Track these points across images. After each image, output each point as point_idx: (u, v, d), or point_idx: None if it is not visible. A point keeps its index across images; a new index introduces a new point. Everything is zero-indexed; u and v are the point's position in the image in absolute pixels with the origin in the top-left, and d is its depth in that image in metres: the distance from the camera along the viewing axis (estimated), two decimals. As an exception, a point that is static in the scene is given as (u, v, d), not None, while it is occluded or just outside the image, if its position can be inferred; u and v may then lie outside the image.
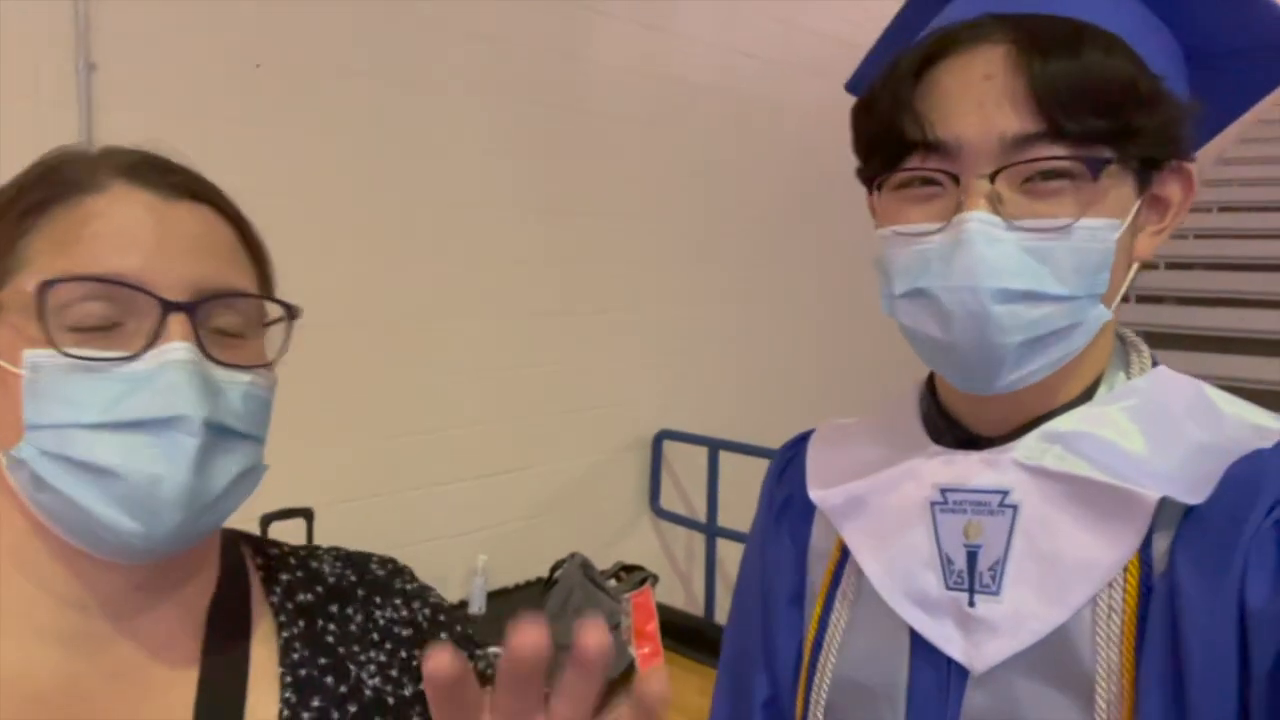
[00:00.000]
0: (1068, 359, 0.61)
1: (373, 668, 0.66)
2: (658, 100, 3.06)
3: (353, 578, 0.70)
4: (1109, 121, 0.57)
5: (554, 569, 2.33)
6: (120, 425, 0.52)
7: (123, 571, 0.57)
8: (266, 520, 1.86)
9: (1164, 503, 0.58)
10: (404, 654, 0.68)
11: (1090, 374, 0.65)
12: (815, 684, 0.69)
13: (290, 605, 0.66)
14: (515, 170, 2.68)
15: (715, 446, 3.11)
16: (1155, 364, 0.66)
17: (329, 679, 0.63)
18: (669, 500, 3.22)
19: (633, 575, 2.71)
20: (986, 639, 0.61)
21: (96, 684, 0.56)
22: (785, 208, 3.54)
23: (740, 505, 3.17)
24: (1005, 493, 0.62)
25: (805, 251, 3.64)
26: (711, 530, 3.14)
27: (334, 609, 0.67)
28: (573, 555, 2.34)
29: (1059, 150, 0.57)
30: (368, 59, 2.33)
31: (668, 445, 3.18)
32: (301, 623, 0.65)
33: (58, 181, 0.57)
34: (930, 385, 0.73)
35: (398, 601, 0.70)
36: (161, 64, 1.99)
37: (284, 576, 0.68)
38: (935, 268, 0.60)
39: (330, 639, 0.66)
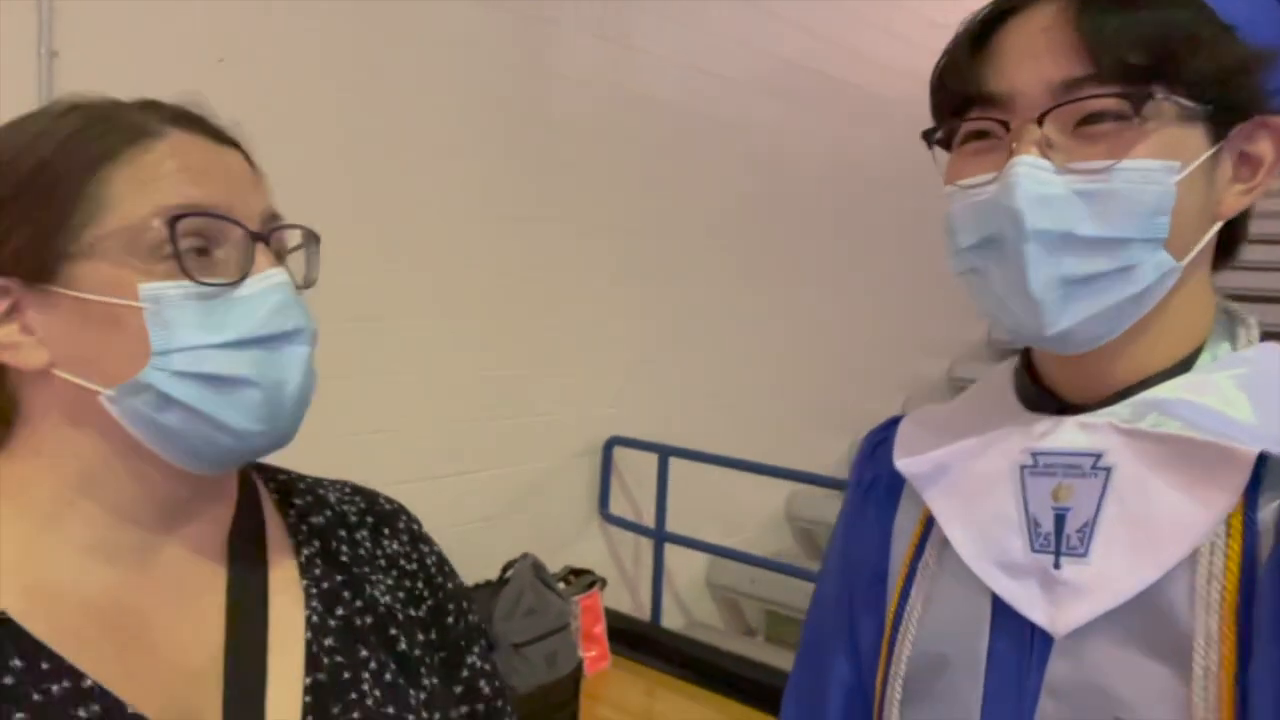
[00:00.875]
0: (1135, 310, 0.60)
1: (382, 588, 0.72)
2: (616, 113, 3.11)
3: (361, 505, 0.77)
4: (1157, 60, 0.56)
5: (505, 569, 2.35)
6: (248, 342, 0.60)
7: (188, 482, 0.64)
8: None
9: (1271, 464, 0.56)
10: (408, 584, 0.74)
11: (1187, 342, 0.63)
12: (895, 657, 0.69)
13: (305, 526, 0.72)
14: (472, 176, 2.71)
15: (665, 453, 3.15)
16: (1264, 339, 0.64)
17: (346, 593, 0.69)
18: (618, 505, 3.26)
19: (581, 579, 2.74)
20: (1070, 601, 0.60)
21: (140, 595, 0.62)
22: (738, 222, 3.61)
23: (688, 511, 3.24)
24: (1099, 455, 0.61)
25: (756, 264, 3.71)
26: (660, 536, 3.18)
27: (343, 533, 0.73)
28: (524, 556, 2.36)
29: (1105, 90, 0.57)
30: (331, 61, 2.34)
31: (618, 451, 3.21)
32: (317, 542, 0.71)
33: (122, 127, 0.62)
34: (1026, 358, 0.72)
35: (405, 538, 0.77)
36: (124, 53, 1.98)
37: (296, 500, 0.74)
38: (986, 215, 0.60)
39: (344, 559, 0.72)
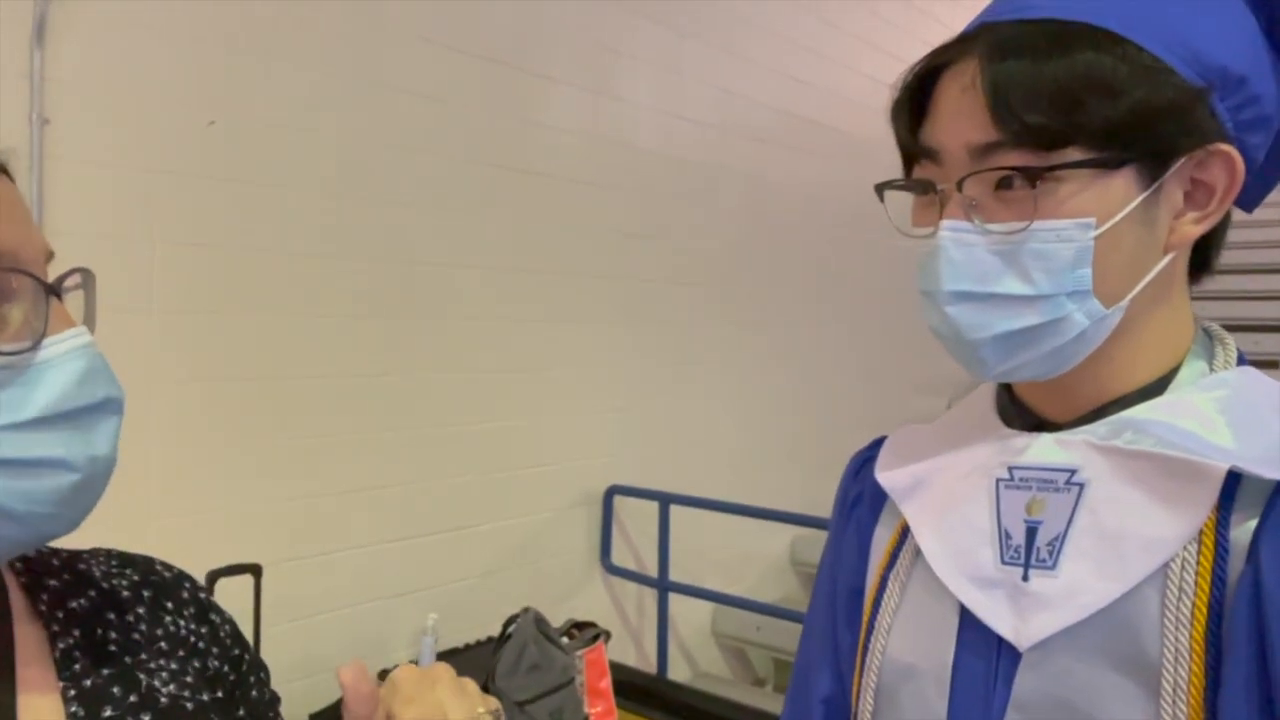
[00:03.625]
0: (1077, 351, 0.61)
1: (164, 675, 0.62)
2: (602, 163, 3.13)
3: (135, 577, 0.67)
4: (1063, 120, 0.57)
5: (507, 624, 2.31)
6: (54, 418, 0.51)
7: None
8: (214, 576, 1.82)
9: (1245, 482, 0.56)
10: (198, 664, 0.65)
11: (1162, 362, 0.64)
12: (866, 667, 0.69)
13: (60, 614, 0.61)
14: (466, 230, 2.72)
15: (666, 501, 3.12)
16: (1242, 361, 0.65)
17: (116, 689, 0.59)
18: (620, 556, 3.22)
19: (585, 632, 2.69)
20: (1036, 613, 0.60)
21: None
22: (731, 266, 3.63)
23: (691, 559, 3.20)
24: (1073, 470, 0.62)
25: (751, 310, 3.72)
26: (663, 585, 3.14)
27: (111, 615, 0.63)
28: (526, 610, 2.32)
29: (1016, 157, 0.58)
30: (320, 118, 2.36)
31: (618, 500, 3.18)
32: (76, 631, 0.61)
33: None
34: None
35: (190, 610, 0.67)
36: (114, 120, 2.00)
37: (50, 582, 0.63)
38: (925, 270, 0.64)
39: (112, 647, 0.61)
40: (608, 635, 2.73)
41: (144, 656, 0.62)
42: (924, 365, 5.05)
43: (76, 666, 0.59)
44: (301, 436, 2.34)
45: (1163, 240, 0.62)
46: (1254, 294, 5.07)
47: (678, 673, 3.32)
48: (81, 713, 0.57)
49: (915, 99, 0.64)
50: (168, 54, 2.07)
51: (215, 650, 0.66)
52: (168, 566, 0.69)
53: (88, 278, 0.58)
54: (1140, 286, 0.61)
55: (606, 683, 2.68)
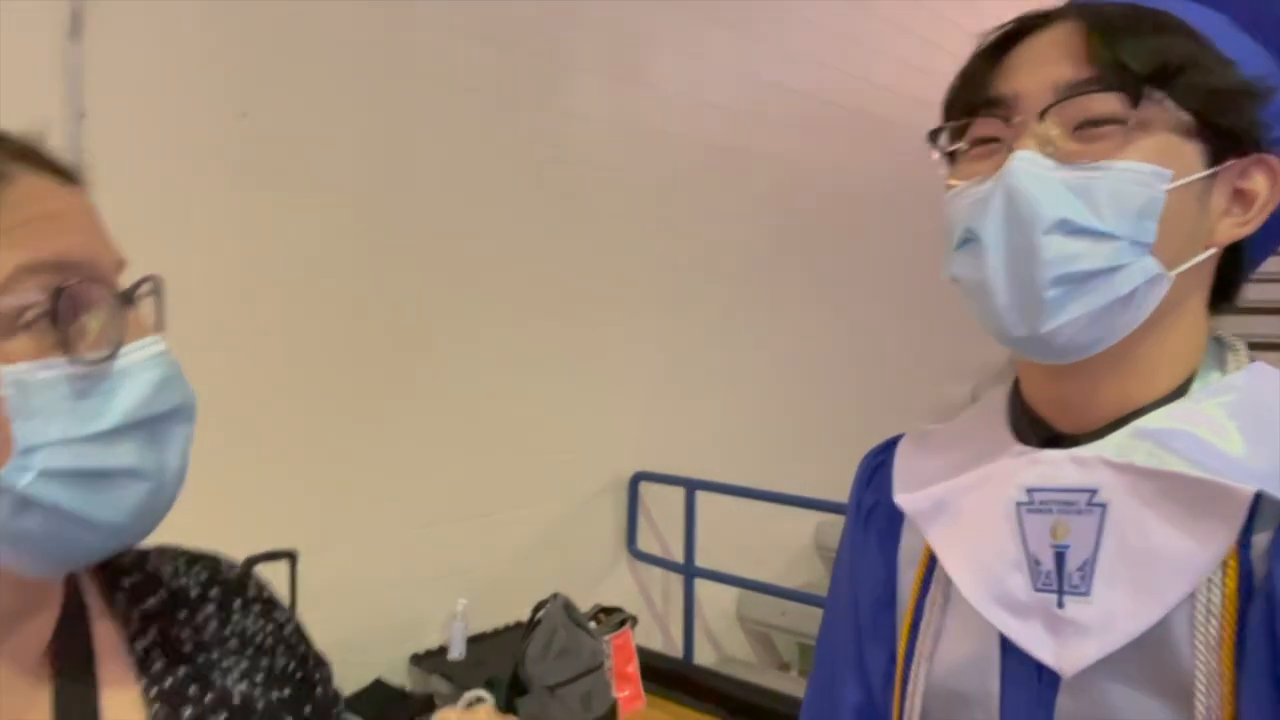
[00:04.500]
0: (1125, 317, 0.60)
1: (235, 674, 0.63)
2: (630, 149, 3.13)
3: (203, 576, 0.67)
4: (1157, 70, 0.59)
5: (536, 610, 2.33)
6: (129, 427, 0.52)
7: (21, 591, 0.54)
8: (251, 562, 1.85)
9: (1263, 501, 0.56)
10: (267, 662, 0.65)
11: (1178, 370, 0.64)
12: (909, 692, 0.69)
13: (136, 614, 0.62)
14: (492, 217, 2.73)
15: (692, 487, 3.13)
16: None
17: (194, 688, 0.60)
18: (646, 542, 3.24)
19: (612, 617, 2.71)
20: (1076, 640, 0.60)
21: None
22: (757, 252, 3.62)
23: (717, 545, 3.21)
24: (1093, 491, 0.61)
25: (777, 295, 3.71)
26: (689, 571, 3.15)
27: (182, 615, 0.63)
28: (555, 596, 2.35)
29: (1108, 95, 0.59)
30: (350, 110, 2.38)
31: (644, 486, 3.20)
32: (154, 630, 0.61)
33: None
34: (1016, 387, 0.72)
35: (256, 609, 0.67)
36: (151, 111, 2.02)
37: (124, 581, 0.63)
38: (980, 209, 0.61)
39: (187, 647, 0.62)
40: (634, 620, 2.75)
41: (216, 655, 0.62)
42: (951, 351, 5.02)
43: (156, 666, 0.60)
44: (332, 424, 2.38)
45: (1208, 233, 0.62)
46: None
47: (704, 657, 3.34)
48: (164, 712, 0.58)
49: (991, 57, 0.64)
50: (201, 46, 2.09)
51: (282, 648, 0.67)
52: (233, 565, 0.69)
53: (158, 284, 0.58)
54: (1187, 265, 0.62)
55: (634, 667, 2.70)
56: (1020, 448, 0.67)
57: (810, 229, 3.88)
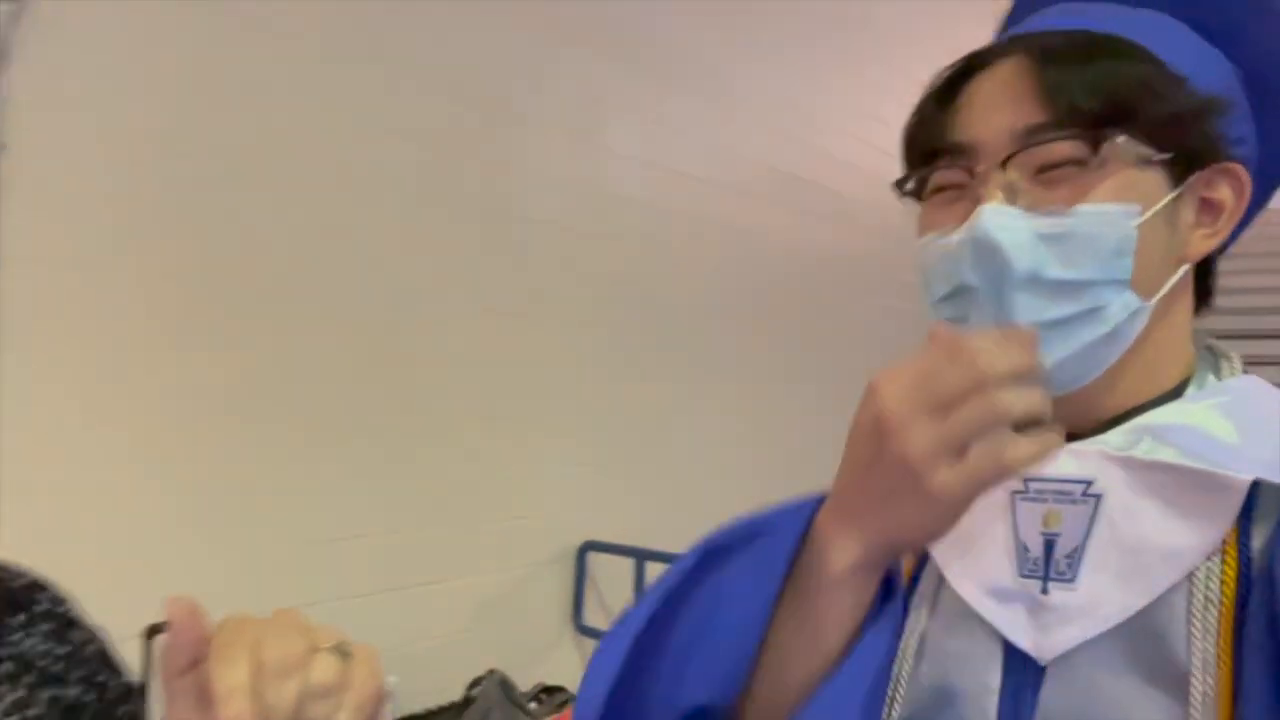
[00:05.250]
0: (1109, 351, 0.61)
1: (7, 704, 0.54)
2: (587, 211, 3.08)
3: None
4: (1112, 106, 0.58)
5: (471, 687, 2.18)
6: None
7: None
8: (153, 631, 1.69)
9: (1262, 490, 0.57)
10: (51, 692, 0.55)
11: (1173, 373, 0.65)
12: (889, 696, 0.66)
13: None
14: (445, 273, 2.64)
15: (641, 557, 3.01)
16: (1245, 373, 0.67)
17: None
18: (593, 616, 3.09)
19: (554, 697, 2.57)
20: (1056, 627, 0.59)
21: None
22: (711, 319, 3.57)
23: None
24: (1089, 482, 0.62)
25: (737, 365, 3.66)
26: (637, 648, 3.01)
27: None
28: (491, 673, 2.20)
29: (1063, 135, 0.59)
30: (297, 158, 2.30)
31: (592, 557, 3.06)
32: None
33: None
34: None
35: (45, 627, 0.57)
36: (77, 144, 1.92)
37: None
38: (957, 263, 0.61)
39: None
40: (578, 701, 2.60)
41: None
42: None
43: None
44: (253, 484, 2.23)
45: (1181, 250, 0.63)
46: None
47: (651, 741, 3.17)
48: None
49: (943, 99, 0.65)
50: (133, 79, 2.01)
51: (75, 675, 0.57)
52: (21, 573, 0.58)
53: None
54: (1166, 288, 0.62)
55: (576, 752, 2.54)
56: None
57: (771, 300, 3.85)
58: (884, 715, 0.67)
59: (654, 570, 3.01)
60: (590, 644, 3.09)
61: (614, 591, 3.11)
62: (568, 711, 2.54)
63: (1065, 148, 0.59)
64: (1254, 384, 0.65)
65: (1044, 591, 0.61)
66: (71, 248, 1.90)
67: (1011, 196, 0.60)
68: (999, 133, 0.61)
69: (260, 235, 2.24)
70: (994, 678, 0.62)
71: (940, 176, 0.65)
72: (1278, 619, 0.53)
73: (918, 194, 0.67)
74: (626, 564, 3.04)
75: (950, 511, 0.54)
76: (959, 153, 0.63)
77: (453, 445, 2.68)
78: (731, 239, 3.67)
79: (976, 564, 0.64)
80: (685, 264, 3.47)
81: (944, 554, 0.66)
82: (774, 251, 3.89)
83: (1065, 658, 0.59)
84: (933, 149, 0.65)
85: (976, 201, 0.61)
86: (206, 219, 2.14)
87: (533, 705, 2.37)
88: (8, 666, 0.54)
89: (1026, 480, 0.64)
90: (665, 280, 3.38)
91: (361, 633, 2.03)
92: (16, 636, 0.55)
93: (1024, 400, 0.52)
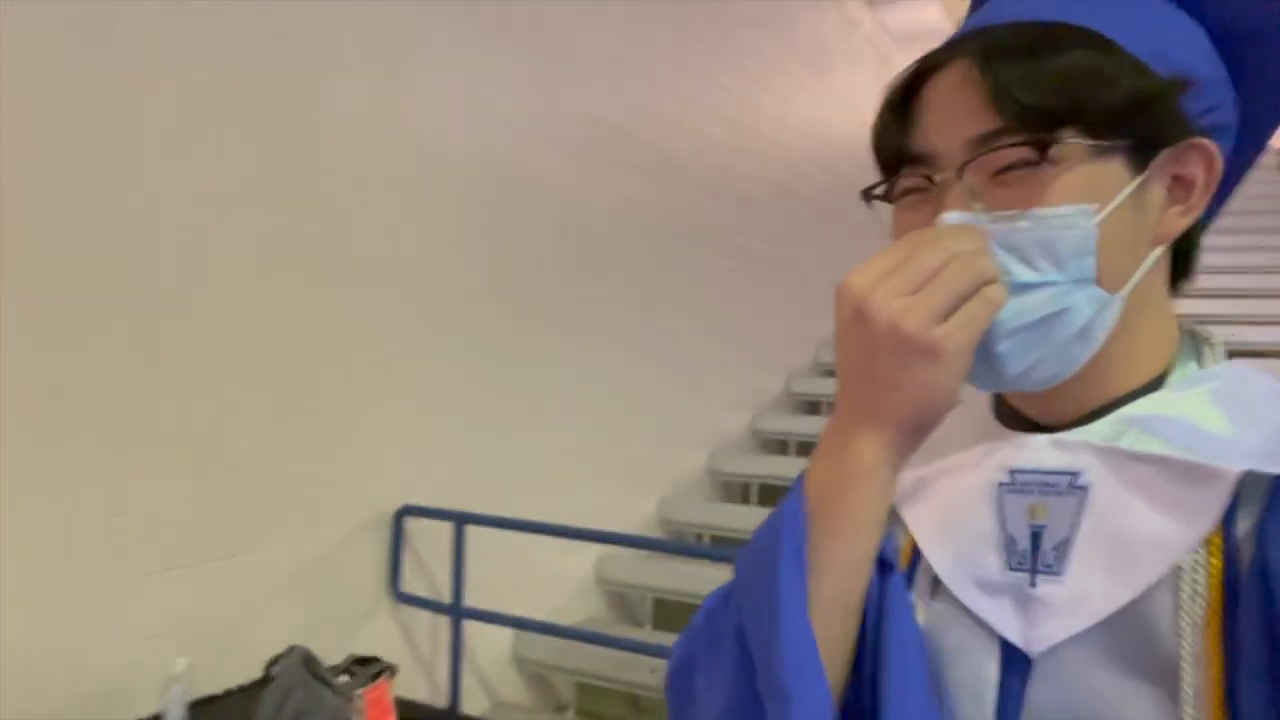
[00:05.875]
0: (1084, 347, 0.61)
1: None
2: (403, 159, 2.92)
3: None
4: (1061, 103, 0.58)
5: (269, 665, 2.04)
6: None
7: None
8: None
9: (1246, 479, 0.56)
10: None
11: (1153, 364, 0.65)
12: None
13: None
14: (241, 223, 2.42)
15: (461, 521, 2.92)
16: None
17: None
18: (412, 583, 2.98)
19: (367, 668, 2.44)
20: (1045, 619, 0.59)
21: None
22: (533, 276, 3.49)
23: (492, 582, 3.01)
24: (1076, 474, 0.62)
25: (552, 319, 3.59)
26: (457, 612, 2.93)
27: None
28: (292, 649, 2.06)
29: (1013, 140, 0.59)
30: (56, 89, 2.03)
31: (410, 522, 2.95)
32: None
33: None
34: None
35: None
36: None
37: None
38: None
39: None
40: (393, 670, 2.50)
41: None
42: (730, 381, 5.12)
43: None
44: (28, 453, 1.99)
45: (1153, 232, 0.63)
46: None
47: (474, 704, 3.11)
48: None
49: (900, 106, 0.64)
50: None
51: None
52: None
53: None
54: (1138, 277, 0.62)
55: (391, 722, 2.44)
56: (1005, 432, 0.67)
57: (592, 255, 3.80)
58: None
59: (474, 534, 2.93)
60: (408, 611, 2.98)
61: (436, 557, 3.01)
62: (383, 681, 2.43)
63: (1017, 152, 0.59)
64: (1240, 370, 0.65)
65: (1032, 584, 0.61)
66: None
67: (971, 201, 0.61)
68: (953, 141, 0.61)
69: (33, 186, 1.97)
70: (991, 671, 0.62)
71: (904, 180, 0.65)
72: (1273, 598, 0.53)
73: (887, 196, 0.68)
74: (446, 528, 2.94)
75: (957, 366, 0.57)
76: (919, 161, 0.64)
77: (257, 412, 2.49)
78: (562, 193, 3.59)
79: (965, 557, 0.65)
80: (510, 217, 3.36)
81: (933, 549, 0.66)
82: (606, 208, 3.84)
83: (1053, 651, 0.59)
84: (896, 157, 0.65)
85: (939, 207, 0.62)
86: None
87: (343, 678, 2.25)
88: None
89: (1013, 472, 0.64)
90: (486, 232, 3.27)
91: (151, 613, 1.88)
92: None
93: (991, 265, 0.57)
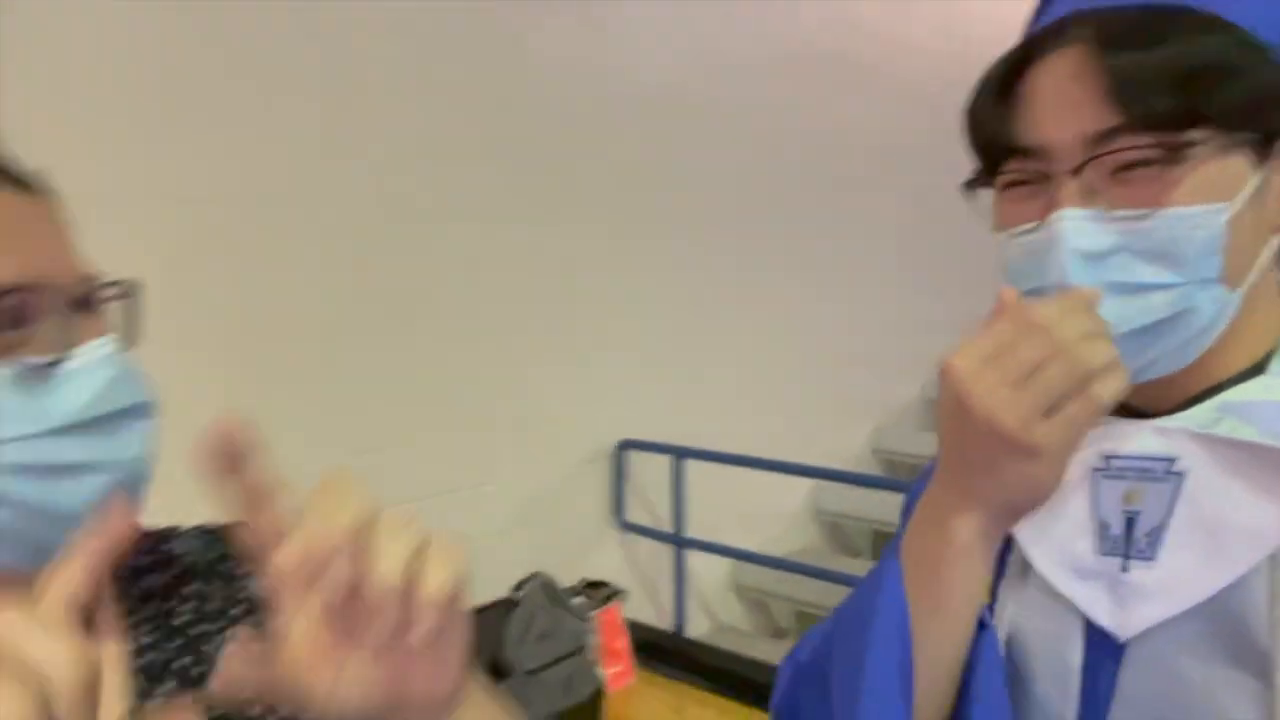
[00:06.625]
0: (1201, 343, 0.60)
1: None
2: (604, 102, 2.98)
3: (219, 549, 0.69)
4: (1188, 102, 0.55)
5: (516, 589, 2.24)
6: (81, 424, 0.55)
7: (17, 584, 0.55)
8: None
9: None
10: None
11: (1257, 348, 0.62)
12: None
13: (135, 591, 0.65)
14: (462, 176, 2.59)
15: (680, 455, 3.03)
16: None
17: (183, 660, 0.63)
18: (634, 513, 3.14)
19: (599, 592, 2.62)
20: (1137, 604, 0.59)
21: None
22: (743, 211, 3.48)
23: (709, 513, 3.11)
24: (1172, 460, 0.61)
25: (762, 254, 3.58)
26: (679, 541, 3.06)
27: (189, 589, 0.66)
28: (534, 576, 2.25)
29: (1139, 140, 0.56)
30: (307, 62, 2.24)
31: (631, 455, 3.09)
32: (148, 608, 0.64)
33: None
34: None
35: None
36: (67, 98, 1.88)
37: (130, 563, 0.66)
38: (1037, 265, 0.60)
39: (181, 619, 0.65)
40: (623, 594, 2.66)
41: (218, 625, 0.65)
42: (945, 306, 4.90)
43: (144, 640, 0.62)
44: (301, 396, 2.26)
45: (1270, 222, 0.60)
46: None
47: (697, 628, 3.26)
48: (145, 685, 0.61)
49: (1003, 91, 0.61)
50: (122, 30, 1.95)
51: None
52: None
53: (128, 290, 0.60)
54: (1257, 270, 0.60)
55: (623, 643, 2.62)
56: (1102, 417, 0.64)
57: (799, 186, 3.73)
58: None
59: (693, 468, 3.03)
60: (631, 540, 3.15)
61: (654, 488, 3.14)
62: (614, 604, 2.60)
63: (1141, 150, 0.56)
64: None
65: (1124, 569, 0.60)
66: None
67: (1089, 198, 0.58)
68: (1070, 137, 0.58)
69: (263, 149, 2.20)
70: (1075, 656, 0.62)
71: (1011, 171, 0.62)
72: None
73: (989, 182, 0.65)
74: (664, 461, 3.06)
75: (1057, 463, 0.55)
76: (1028, 155, 0.60)
77: (488, 355, 2.68)
78: (758, 122, 3.53)
79: (1058, 543, 0.64)
80: (712, 153, 3.36)
81: (1026, 534, 0.65)
82: (805, 134, 3.74)
83: (1145, 637, 0.59)
84: (999, 148, 0.62)
85: (1053, 202, 0.59)
86: (208, 154, 2.10)
87: (578, 600, 2.43)
88: (239, 609, 0.66)
89: (1108, 458, 0.63)
90: (692, 171, 3.29)
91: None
92: (250, 583, 0.67)
93: (1100, 353, 0.53)
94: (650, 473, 3.14)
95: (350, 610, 0.44)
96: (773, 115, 3.57)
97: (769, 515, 3.66)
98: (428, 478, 2.56)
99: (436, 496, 2.59)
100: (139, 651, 0.62)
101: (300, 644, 0.45)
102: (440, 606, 0.44)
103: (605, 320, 3.02)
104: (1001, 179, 0.63)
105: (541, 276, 2.83)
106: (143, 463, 0.58)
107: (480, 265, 2.66)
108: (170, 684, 0.61)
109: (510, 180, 2.72)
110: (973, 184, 0.66)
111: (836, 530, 4.01)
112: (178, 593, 0.66)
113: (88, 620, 0.56)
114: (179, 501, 0.65)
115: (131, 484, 0.58)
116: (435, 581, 0.44)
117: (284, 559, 0.43)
